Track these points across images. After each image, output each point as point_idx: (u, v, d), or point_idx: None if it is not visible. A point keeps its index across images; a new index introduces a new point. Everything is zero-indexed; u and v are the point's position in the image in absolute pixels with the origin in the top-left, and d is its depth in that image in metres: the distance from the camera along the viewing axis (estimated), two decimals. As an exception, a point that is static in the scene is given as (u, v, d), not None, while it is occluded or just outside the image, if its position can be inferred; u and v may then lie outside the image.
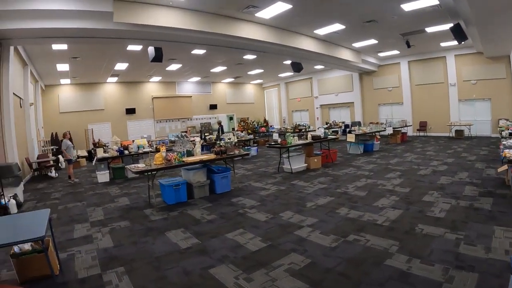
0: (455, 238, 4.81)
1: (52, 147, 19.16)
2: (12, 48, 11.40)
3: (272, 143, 11.82)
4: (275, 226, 5.91)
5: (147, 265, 4.69)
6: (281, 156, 11.37)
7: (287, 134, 11.45)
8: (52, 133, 21.41)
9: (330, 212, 6.46)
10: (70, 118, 22.85)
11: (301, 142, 11.36)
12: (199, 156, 8.95)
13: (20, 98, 14.19)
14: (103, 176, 12.15)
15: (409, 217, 5.83)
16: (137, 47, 14.27)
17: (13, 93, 11.95)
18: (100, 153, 12.42)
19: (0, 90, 10.94)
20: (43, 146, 18.23)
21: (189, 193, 8.38)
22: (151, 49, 12.16)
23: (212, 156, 8.92)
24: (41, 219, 4.10)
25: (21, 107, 14.34)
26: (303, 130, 18.96)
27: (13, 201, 8.61)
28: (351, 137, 13.58)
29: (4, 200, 8.51)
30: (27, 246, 4.48)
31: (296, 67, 17.80)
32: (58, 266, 4.73)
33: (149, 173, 8.01)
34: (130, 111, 25.17)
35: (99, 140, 19.71)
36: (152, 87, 26.35)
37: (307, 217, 6.25)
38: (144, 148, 13.18)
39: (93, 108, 23.89)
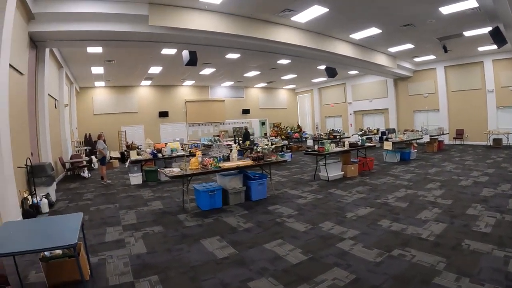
0: (503, 255, 4.42)
1: (85, 147, 19.42)
2: (47, 50, 11.55)
3: (309, 150, 11.50)
4: (315, 238, 5.59)
5: (182, 275, 4.45)
6: (317, 163, 10.96)
7: (325, 141, 11.09)
8: (86, 134, 21.93)
9: (372, 224, 6.09)
10: (103, 120, 23.35)
11: (338, 149, 11.01)
12: (235, 161, 8.75)
13: (55, 99, 14.47)
14: (135, 178, 12.11)
15: (454, 232, 5.43)
16: (171, 51, 14.30)
17: (48, 94, 12.14)
18: (133, 155, 12.40)
19: (36, 91, 11.11)
20: (76, 147, 18.48)
21: (224, 200, 8.11)
22: (185, 53, 12.10)
23: (249, 162, 8.64)
24: (74, 224, 3.90)
25: (56, 108, 14.63)
26: (337, 137, 18.57)
27: (45, 200, 8.66)
28: (388, 145, 13.11)
29: (36, 199, 8.56)
30: (58, 250, 4.30)
31: (331, 72, 17.44)
32: (89, 271, 4.59)
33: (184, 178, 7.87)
34: (163, 114, 25.50)
35: (132, 142, 19.79)
36: (185, 90, 26.57)
37: (348, 229, 5.90)
38: (177, 152, 13.08)
39: (127, 110, 24.37)
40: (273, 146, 9.71)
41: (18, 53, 8.50)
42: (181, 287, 4.14)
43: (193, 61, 12.12)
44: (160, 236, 6.17)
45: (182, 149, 13.71)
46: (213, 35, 10.97)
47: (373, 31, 13.26)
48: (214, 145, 9.64)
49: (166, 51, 14.32)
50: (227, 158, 9.00)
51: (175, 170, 8.02)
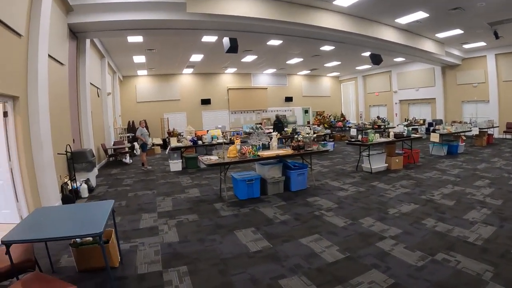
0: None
1: (128, 134, 19.70)
2: (88, 41, 11.74)
3: (352, 140, 10.99)
4: (355, 234, 5.24)
5: (212, 267, 4.29)
6: (360, 154, 10.53)
7: (369, 130, 10.63)
8: (129, 121, 22.35)
9: (415, 223, 5.64)
10: (146, 107, 23.69)
11: (383, 140, 10.44)
12: (275, 150, 8.45)
13: (98, 88, 14.69)
14: (175, 165, 12.13)
15: (503, 237, 4.86)
16: (212, 38, 14.07)
17: (90, 83, 12.38)
18: (173, 142, 12.41)
19: (78, 80, 11.31)
20: (119, 134, 18.71)
21: (262, 189, 7.89)
22: (226, 40, 11.84)
23: (289, 151, 8.22)
24: (103, 212, 3.84)
25: (98, 96, 14.88)
26: (382, 127, 17.93)
27: (84, 186, 8.81)
28: (435, 137, 12.38)
29: (76, 184, 8.71)
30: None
31: (375, 59, 16.61)
32: (119, 258, 4.54)
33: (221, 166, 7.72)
34: (205, 102, 25.51)
35: (173, 129, 19.93)
36: (228, 78, 26.39)
37: (390, 227, 5.50)
38: (217, 139, 13.01)
39: (169, 98, 24.54)
40: (315, 135, 9.30)
41: (58, 45, 8.70)
42: (209, 281, 3.96)
43: (234, 48, 11.85)
44: (194, 225, 6.05)
45: (223, 137, 13.58)
46: (253, 21, 10.65)
47: (420, 15, 12.40)
48: (253, 133, 9.37)
49: (206, 38, 14.08)
50: (267, 147, 8.75)
51: (213, 158, 7.85)
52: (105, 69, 15.92)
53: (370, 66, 25.06)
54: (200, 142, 12.69)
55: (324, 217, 6.15)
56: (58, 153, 8.02)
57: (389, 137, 10.71)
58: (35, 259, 3.73)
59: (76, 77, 11.27)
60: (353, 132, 16.54)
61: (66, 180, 8.46)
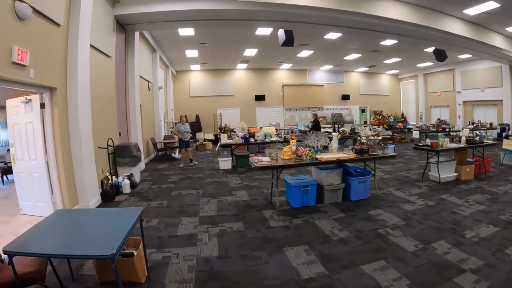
0: None
1: None
2: (137, 34, 11.66)
3: (419, 144, 9.71)
4: (427, 264, 4.22)
5: (253, 296, 3.52)
6: (427, 160, 9.27)
7: (439, 134, 9.46)
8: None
9: (498, 252, 4.50)
10: (199, 102, 23.94)
11: (454, 145, 9.14)
12: (335, 153, 7.48)
13: (149, 81, 14.69)
14: (225, 163, 11.46)
15: None
16: (266, 31, 13.59)
17: (140, 76, 12.63)
18: (224, 139, 11.85)
19: (126, 73, 11.20)
20: (171, 128, 18.41)
21: (318, 197, 6.95)
22: (281, 33, 11.17)
23: (351, 155, 7.15)
24: (126, 223, 3.30)
25: (149, 90, 14.87)
26: (447, 130, 16.45)
27: (126, 181, 8.46)
28: (508, 144, 10.85)
29: (117, 179, 8.41)
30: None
31: (440, 56, 15.15)
32: (146, 272, 3.95)
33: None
34: (260, 98, 25.28)
35: (225, 125, 19.51)
36: (283, 74, 25.92)
37: (469, 256, 4.40)
38: (271, 137, 12.29)
39: (223, 93, 24.60)
40: (380, 137, 8.28)
41: (103, 36, 8.65)
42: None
43: (289, 41, 11.15)
44: (238, 236, 5.31)
45: (276, 134, 12.83)
46: (311, 11, 9.96)
47: (490, 5, 11.12)
48: (311, 132, 8.36)
49: (260, 31, 13.61)
50: (324, 148, 7.92)
51: (265, 159, 7.02)
52: (156, 63, 15.93)
53: (432, 64, 23.85)
54: (252, 140, 12.00)
55: (390, 237, 5.15)
56: (98, 147, 7.73)
57: (460, 142, 9.43)
58: (46, 269, 3.35)
59: (125, 70, 11.14)
60: (416, 134, 15.33)
61: (108, 175, 8.15)
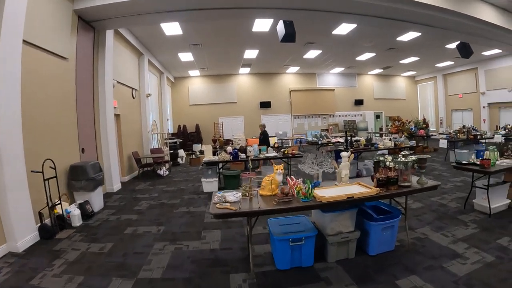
0: None
1: (175, 140, 17.62)
2: (110, 33, 10.24)
3: (463, 163, 6.75)
4: None
5: None
6: (473, 184, 6.62)
7: (490, 148, 6.79)
8: (180, 125, 21.45)
9: None
10: (199, 111, 22.82)
11: (507, 162, 6.51)
12: (345, 184, 4.76)
13: (133, 88, 13.24)
14: (209, 184, 9.31)
15: None
16: (265, 26, 12.02)
17: (119, 82, 11.46)
18: (208, 154, 9.72)
19: (95, 79, 9.71)
20: (165, 139, 16.63)
21: (319, 251, 4.52)
22: (280, 26, 9.29)
23: (372, 189, 4.34)
24: None
25: (133, 97, 13.37)
26: (478, 137, 13.81)
27: (75, 211, 6.68)
28: None
29: (62, 209, 6.54)
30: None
31: (465, 51, 13.03)
32: None
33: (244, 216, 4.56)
34: (265, 105, 23.81)
35: (220, 136, 17.61)
36: (290, 78, 24.29)
37: None
38: (266, 152, 10.08)
39: (225, 101, 23.30)
40: (414, 158, 4.98)
41: (57, 35, 7.37)
42: None
43: (290, 35, 9.21)
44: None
45: (276, 146, 10.62)
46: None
47: None
48: (308, 155, 5.37)
49: (258, 26, 11.96)
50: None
51: (230, 197, 4.34)
52: (143, 68, 14.42)
53: (453, 63, 22.20)
54: (243, 156, 9.70)
55: None
56: (32, 171, 5.84)
57: None
58: None
59: (93, 75, 9.50)
60: (443, 143, 13.01)
61: (57, 203, 6.42)
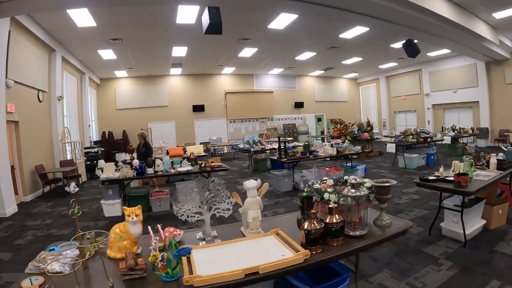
0: None
1: (96, 149, 15.88)
2: (5, 21, 8.64)
3: (429, 179, 5.23)
4: None
5: None
6: (440, 204, 5.24)
7: (465, 158, 5.05)
8: (104, 131, 19.68)
9: None
10: (127, 115, 21.33)
11: (484, 174, 5.21)
12: (254, 237, 2.71)
13: (39, 90, 11.73)
14: (111, 207, 7.58)
15: None
16: (190, 18, 10.81)
17: (17, 82, 9.83)
18: (107, 170, 7.87)
19: None
20: (85, 148, 15.01)
21: None
22: (205, 15, 8.02)
23: (294, 255, 2.26)
24: None
25: (40, 101, 11.66)
26: (428, 140, 13.04)
27: None
28: None
29: None
30: None
31: (411, 50, 12.56)
32: None
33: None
34: (198, 108, 22.74)
35: (130, 144, 16.17)
36: (225, 80, 23.44)
37: None
38: (180, 165, 8.38)
39: (155, 104, 22.07)
40: (369, 185, 2.99)
41: None
42: None
43: (215, 25, 7.96)
44: None
45: (192, 158, 8.91)
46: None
47: None
48: (185, 188, 2.91)
49: (182, 17, 10.66)
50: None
51: (56, 265, 2.29)
52: (54, 66, 12.75)
53: (396, 64, 22.29)
54: (150, 171, 7.94)
55: None
56: None
57: (488, 168, 5.56)
58: None
59: None
60: (391, 148, 11.99)
61: None
